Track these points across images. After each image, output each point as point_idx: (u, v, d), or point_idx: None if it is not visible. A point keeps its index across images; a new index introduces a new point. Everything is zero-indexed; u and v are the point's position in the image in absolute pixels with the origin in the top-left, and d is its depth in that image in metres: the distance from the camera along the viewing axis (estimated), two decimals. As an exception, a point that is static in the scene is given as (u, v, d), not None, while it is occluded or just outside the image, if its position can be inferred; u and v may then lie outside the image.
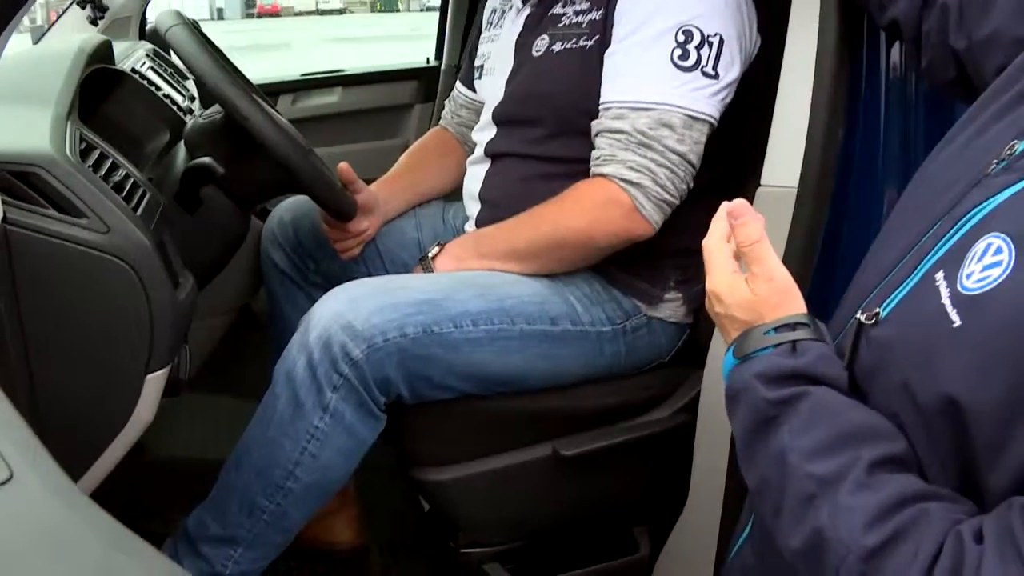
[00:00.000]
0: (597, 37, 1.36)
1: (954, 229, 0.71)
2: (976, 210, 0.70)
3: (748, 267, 0.83)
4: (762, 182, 1.26)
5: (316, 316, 1.26)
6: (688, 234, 1.42)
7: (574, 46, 1.38)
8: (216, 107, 1.37)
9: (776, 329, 0.78)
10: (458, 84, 1.78)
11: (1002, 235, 0.64)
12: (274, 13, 64.22)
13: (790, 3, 1.23)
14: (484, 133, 1.54)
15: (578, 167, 1.36)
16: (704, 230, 1.44)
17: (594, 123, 1.34)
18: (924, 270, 0.72)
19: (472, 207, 1.54)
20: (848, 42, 1.22)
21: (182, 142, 1.46)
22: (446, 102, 1.82)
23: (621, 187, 1.29)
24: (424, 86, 2.68)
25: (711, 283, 0.85)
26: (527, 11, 1.51)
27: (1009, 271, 0.62)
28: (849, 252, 1.28)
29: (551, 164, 1.42)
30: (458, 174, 1.66)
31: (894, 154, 1.27)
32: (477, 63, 1.64)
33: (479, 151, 1.54)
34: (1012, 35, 0.96)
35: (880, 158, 1.28)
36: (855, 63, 1.25)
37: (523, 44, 1.48)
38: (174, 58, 1.76)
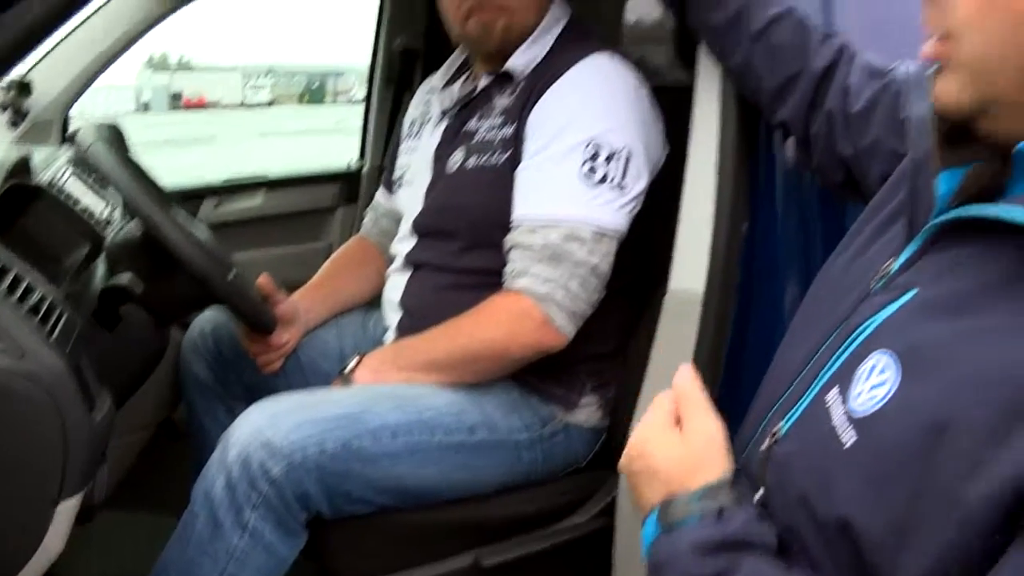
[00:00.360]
0: (509, 153, 1.42)
1: (844, 345, 0.72)
2: (863, 327, 0.71)
3: (683, 419, 0.80)
4: (669, 287, 1.31)
5: (235, 434, 1.26)
6: (602, 340, 1.47)
7: (487, 162, 1.44)
8: (137, 221, 1.38)
9: (701, 497, 0.74)
10: (379, 193, 1.83)
11: (887, 352, 0.65)
12: (200, 106, 64.35)
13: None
14: (404, 243, 1.58)
15: (495, 278, 1.40)
16: (617, 335, 1.51)
17: (507, 238, 1.39)
18: (818, 388, 0.73)
19: (392, 316, 1.57)
20: (748, 140, 1.28)
21: (102, 256, 1.46)
22: (368, 210, 1.86)
23: (534, 301, 1.33)
24: (347, 188, 2.72)
25: (640, 431, 0.81)
26: (444, 124, 1.57)
27: (895, 390, 0.63)
28: (754, 355, 1.33)
29: (469, 275, 1.46)
30: (379, 282, 1.69)
31: (794, 253, 1.32)
32: (396, 174, 1.69)
33: (399, 260, 1.58)
34: (889, 147, 1.02)
35: (780, 257, 1.33)
36: (756, 163, 1.31)
37: (440, 157, 1.53)
38: None
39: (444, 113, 1.58)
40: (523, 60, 1.48)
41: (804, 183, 1.31)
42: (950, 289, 0.64)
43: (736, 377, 1.30)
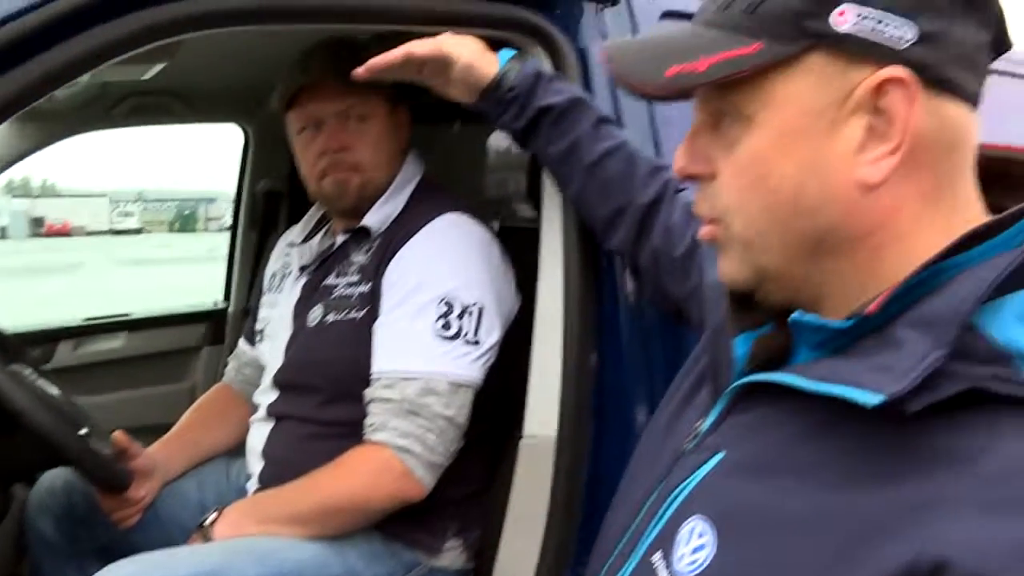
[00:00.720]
0: (367, 309, 1.46)
1: (664, 507, 0.72)
2: (679, 489, 0.71)
3: None
4: (524, 432, 1.36)
5: None
6: (464, 484, 1.50)
7: (346, 317, 1.48)
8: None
9: None
10: (242, 342, 1.83)
11: (702, 518, 0.66)
12: (64, 233, 62.14)
13: None
14: (266, 395, 1.58)
15: (357, 429, 1.41)
16: (479, 479, 1.53)
17: (366, 391, 1.41)
18: (643, 550, 0.73)
19: (255, 464, 1.55)
20: (593, 268, 1.32)
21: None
22: (231, 358, 1.85)
23: (393, 453, 1.35)
24: (212, 329, 2.69)
25: None
26: (304, 280, 1.60)
27: (714, 554, 0.64)
28: (611, 490, 1.37)
29: (331, 427, 1.47)
30: (241, 430, 1.67)
31: (641, 381, 1.33)
32: (258, 326, 1.70)
33: (262, 411, 1.58)
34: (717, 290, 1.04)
35: (628, 387, 1.34)
36: (601, 291, 1.33)
37: (299, 313, 1.56)
38: None
39: (303, 269, 1.61)
40: (378, 217, 1.53)
41: (644, 308, 1.35)
42: (753, 451, 0.67)
43: (596, 513, 1.32)
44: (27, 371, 1.42)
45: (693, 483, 0.70)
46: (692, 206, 0.76)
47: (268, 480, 1.49)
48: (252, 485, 1.54)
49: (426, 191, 1.59)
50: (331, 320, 1.50)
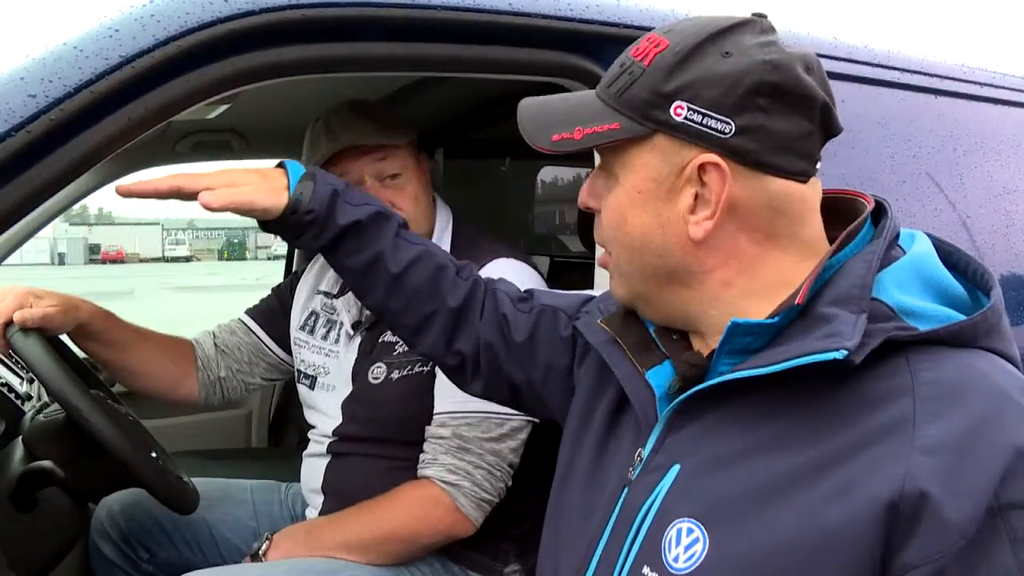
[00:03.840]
0: (431, 363, 1.47)
1: (633, 530, 0.82)
2: (644, 509, 0.82)
3: None
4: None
5: None
6: (523, 509, 1.53)
7: (411, 372, 1.52)
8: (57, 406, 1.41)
9: None
10: (251, 323, 1.78)
11: (687, 519, 0.78)
12: (119, 259, 63.54)
13: None
14: (324, 439, 1.60)
15: (411, 466, 1.46)
16: (537, 505, 1.55)
17: (426, 430, 1.46)
18: (627, 570, 0.82)
19: (314, 498, 1.60)
20: None
21: (20, 438, 1.47)
22: (218, 325, 1.81)
23: (442, 488, 1.39)
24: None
25: None
26: (358, 338, 1.61)
27: (708, 544, 0.76)
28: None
29: (394, 461, 1.51)
30: (159, 375, 1.66)
31: None
32: (308, 371, 1.68)
33: (319, 448, 1.61)
34: (563, 364, 1.09)
35: None
36: None
37: (359, 371, 1.58)
38: None
39: (355, 326, 1.61)
40: None
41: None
42: (712, 451, 0.80)
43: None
44: (104, 396, 1.48)
45: (658, 499, 0.81)
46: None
47: (332, 512, 1.53)
48: (311, 514, 1.60)
49: (464, 235, 1.63)
50: (396, 377, 1.52)
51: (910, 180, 1.67)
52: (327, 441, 1.60)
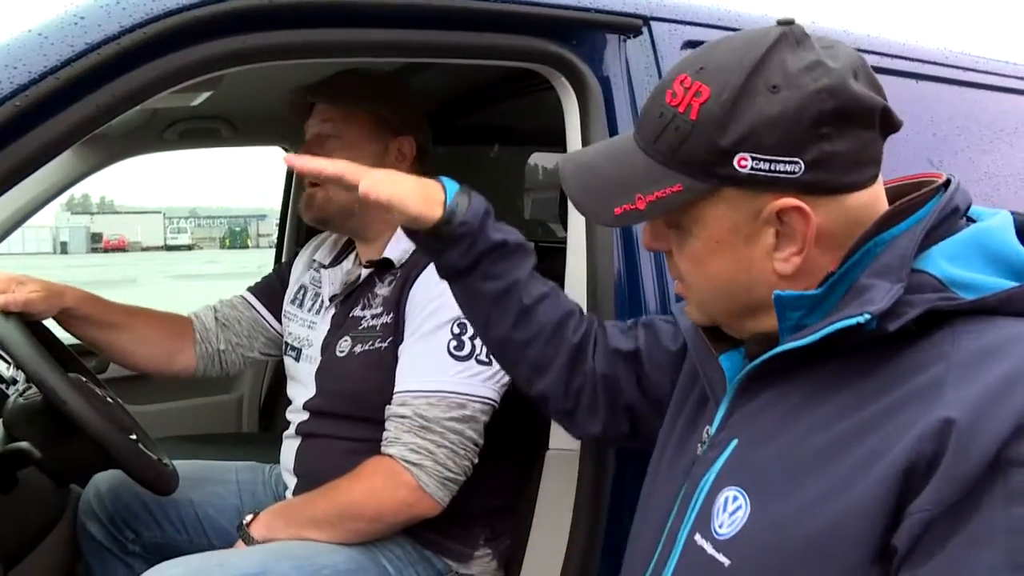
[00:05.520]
0: (390, 339, 1.52)
1: (693, 502, 0.87)
2: (703, 481, 0.86)
3: None
4: (549, 446, 1.41)
5: None
6: (495, 494, 1.55)
7: (372, 347, 1.54)
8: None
9: None
10: (252, 298, 1.83)
11: (734, 488, 0.82)
12: (120, 248, 63.59)
13: None
14: (296, 415, 1.64)
15: (377, 446, 1.47)
16: (509, 490, 1.58)
17: (386, 409, 1.46)
18: (684, 539, 0.86)
19: (289, 479, 1.63)
20: (616, 289, 1.36)
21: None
22: (219, 300, 1.85)
23: (404, 467, 1.40)
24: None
25: None
26: (332, 311, 1.65)
27: (750, 510, 0.79)
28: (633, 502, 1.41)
29: (358, 443, 1.52)
30: (156, 353, 1.72)
31: None
32: (294, 344, 1.73)
33: (292, 428, 1.64)
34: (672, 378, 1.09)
35: None
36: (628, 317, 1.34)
37: (329, 343, 1.61)
38: None
39: (332, 299, 1.66)
40: (399, 248, 1.57)
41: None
42: (763, 425, 0.83)
43: (619, 523, 1.36)
44: (83, 380, 1.50)
45: (715, 471, 0.86)
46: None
47: (300, 492, 1.57)
48: (288, 496, 1.62)
49: None
50: (359, 351, 1.55)
51: (887, 164, 1.68)
52: (299, 419, 1.62)
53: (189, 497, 1.68)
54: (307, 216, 1.63)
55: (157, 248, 66.16)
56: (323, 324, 1.66)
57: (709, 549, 0.81)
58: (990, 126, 1.91)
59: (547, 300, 1.15)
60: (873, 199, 0.82)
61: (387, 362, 1.50)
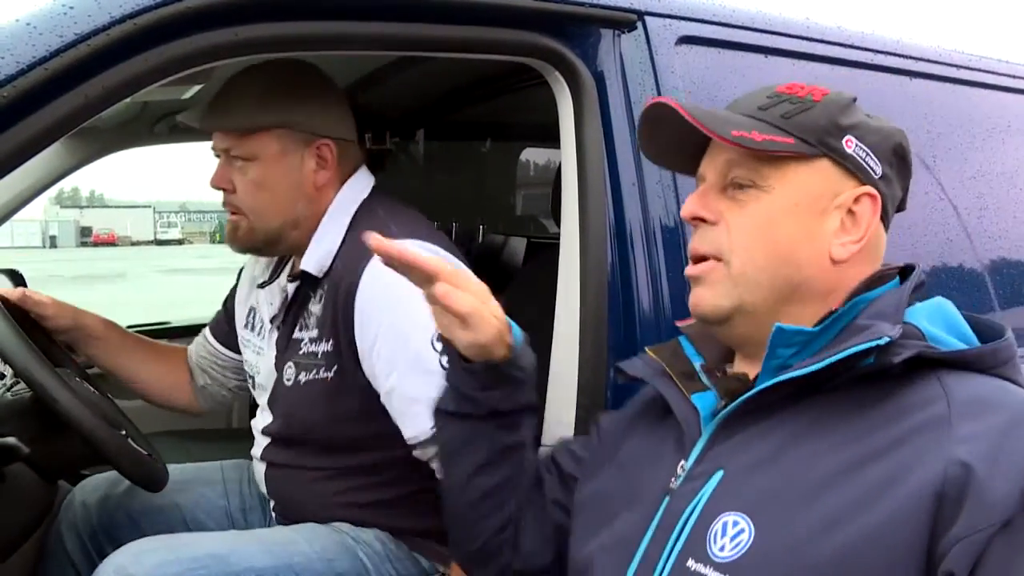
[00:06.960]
0: (335, 368, 1.42)
1: (678, 530, 0.88)
2: (688, 510, 0.88)
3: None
4: (542, 442, 1.40)
5: (101, 572, 1.29)
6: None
7: (316, 377, 1.45)
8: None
9: None
10: (209, 336, 1.81)
11: (733, 513, 0.84)
12: (110, 242, 63.35)
13: None
14: (260, 438, 1.59)
15: (349, 471, 1.46)
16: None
17: (412, 451, 1.37)
18: (671, 565, 0.87)
19: (270, 499, 1.61)
20: (609, 286, 1.35)
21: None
22: (195, 340, 1.85)
23: None
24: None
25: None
26: (275, 334, 1.56)
27: (754, 533, 0.82)
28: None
29: (323, 471, 1.49)
30: (162, 381, 1.80)
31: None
32: (249, 372, 1.66)
33: (257, 450, 1.59)
34: None
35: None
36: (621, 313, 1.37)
37: (278, 368, 1.54)
38: None
39: (272, 321, 1.57)
40: (315, 258, 1.46)
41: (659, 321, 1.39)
42: (759, 454, 0.87)
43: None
44: (72, 375, 1.49)
45: (702, 500, 0.88)
46: (690, 248, 0.98)
47: (286, 515, 1.54)
48: (274, 515, 1.60)
49: (365, 219, 1.46)
50: (303, 380, 1.46)
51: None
52: (262, 444, 1.58)
53: (176, 502, 1.65)
54: (233, 247, 1.55)
55: (147, 242, 65.93)
56: (269, 349, 1.58)
57: (710, 572, 0.83)
58: (983, 124, 1.92)
59: (532, 465, 1.14)
60: (882, 249, 0.96)
61: (334, 392, 1.43)
